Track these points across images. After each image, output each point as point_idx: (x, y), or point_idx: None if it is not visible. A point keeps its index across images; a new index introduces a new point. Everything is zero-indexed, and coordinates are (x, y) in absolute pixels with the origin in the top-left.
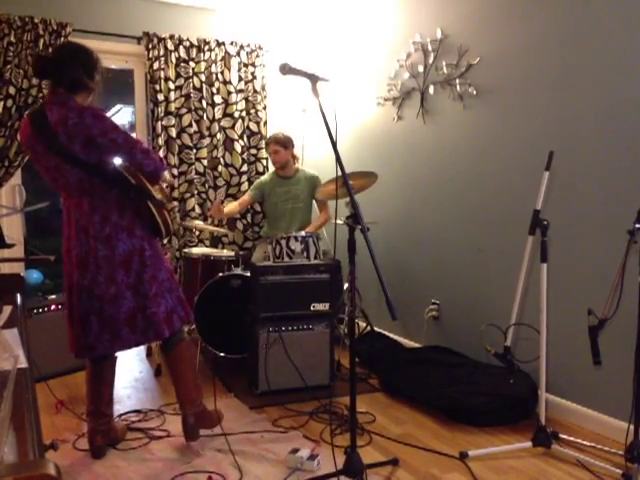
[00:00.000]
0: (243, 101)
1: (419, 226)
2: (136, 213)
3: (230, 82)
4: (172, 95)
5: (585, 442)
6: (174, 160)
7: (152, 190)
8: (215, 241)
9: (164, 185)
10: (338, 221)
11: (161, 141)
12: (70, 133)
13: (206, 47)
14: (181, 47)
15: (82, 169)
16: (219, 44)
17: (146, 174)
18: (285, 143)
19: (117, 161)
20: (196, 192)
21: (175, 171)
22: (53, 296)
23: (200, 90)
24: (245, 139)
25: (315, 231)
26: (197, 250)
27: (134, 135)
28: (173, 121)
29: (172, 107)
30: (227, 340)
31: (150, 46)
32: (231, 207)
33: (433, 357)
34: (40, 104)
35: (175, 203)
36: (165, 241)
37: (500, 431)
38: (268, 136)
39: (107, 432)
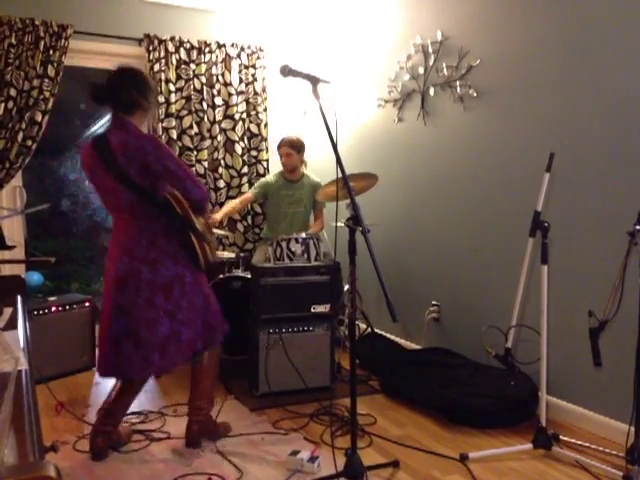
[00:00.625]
0: (244, 103)
1: (420, 227)
2: (181, 241)
3: (231, 84)
4: (173, 97)
5: (586, 444)
6: None
7: (195, 221)
8: (216, 242)
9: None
10: (339, 223)
11: None
12: (128, 157)
13: (207, 49)
14: (182, 49)
15: (135, 192)
16: (220, 46)
17: (193, 202)
18: (299, 147)
19: (167, 188)
20: None
21: None
22: (53, 298)
23: (201, 92)
24: (246, 141)
25: (314, 234)
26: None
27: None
28: (174, 123)
29: (173, 109)
30: (228, 342)
31: (151, 48)
32: (232, 204)
33: (433, 359)
34: (105, 129)
35: (217, 233)
36: None
37: (501, 433)
38: (282, 138)
39: (109, 434)
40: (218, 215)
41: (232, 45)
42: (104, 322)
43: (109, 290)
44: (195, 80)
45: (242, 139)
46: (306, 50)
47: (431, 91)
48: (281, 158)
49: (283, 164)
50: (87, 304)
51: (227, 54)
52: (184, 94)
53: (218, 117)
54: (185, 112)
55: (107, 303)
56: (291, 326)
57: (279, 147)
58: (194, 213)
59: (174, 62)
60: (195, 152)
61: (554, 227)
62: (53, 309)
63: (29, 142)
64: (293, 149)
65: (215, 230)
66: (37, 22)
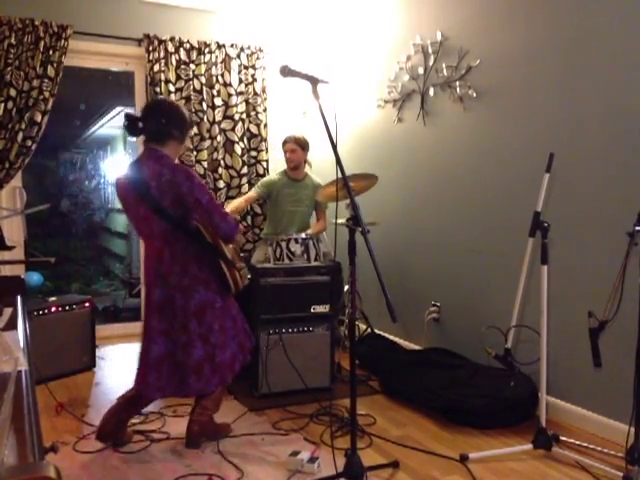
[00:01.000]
0: (243, 103)
1: (419, 228)
2: (211, 267)
3: (230, 84)
4: (172, 97)
5: (586, 444)
6: None
7: (225, 249)
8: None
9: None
10: (339, 221)
11: None
12: (162, 188)
13: (206, 49)
14: (181, 49)
15: (168, 222)
16: (219, 46)
17: (220, 235)
18: (303, 144)
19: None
20: None
21: None
22: (53, 298)
23: (200, 92)
24: (245, 141)
25: (314, 234)
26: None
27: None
28: None
29: None
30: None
31: (150, 48)
32: (236, 203)
33: (433, 359)
34: (137, 158)
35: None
36: None
37: (500, 433)
38: (287, 135)
39: (120, 424)
40: (232, 205)
41: (232, 45)
42: (145, 344)
43: (148, 314)
44: (195, 80)
45: (242, 139)
46: (306, 50)
47: (431, 91)
48: (285, 154)
49: (287, 160)
50: (87, 304)
51: (227, 54)
52: (184, 94)
53: (218, 117)
54: None
55: (147, 326)
56: (291, 326)
57: (284, 143)
58: (223, 241)
59: (174, 62)
60: (195, 152)
61: (554, 227)
62: (53, 309)
63: (29, 142)
64: (298, 145)
65: None
66: (37, 22)
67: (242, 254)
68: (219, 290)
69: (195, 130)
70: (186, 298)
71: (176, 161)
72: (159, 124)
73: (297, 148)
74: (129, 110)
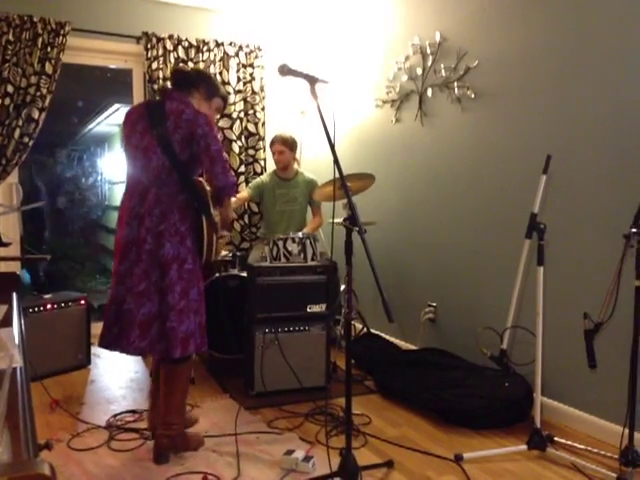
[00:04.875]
0: (241, 102)
1: (416, 228)
2: (194, 223)
3: (229, 83)
4: None
5: (580, 445)
6: None
7: (212, 209)
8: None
9: (225, 234)
10: (336, 220)
11: None
12: (178, 123)
13: (205, 47)
14: (180, 47)
15: (169, 157)
16: (218, 44)
17: (216, 188)
18: (291, 145)
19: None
20: None
21: None
22: (49, 295)
23: None
24: (243, 140)
25: (311, 233)
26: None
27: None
28: None
29: None
30: (223, 340)
31: (149, 46)
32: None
33: (429, 359)
34: (161, 97)
35: (226, 233)
36: None
37: (495, 434)
38: (274, 135)
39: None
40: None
41: (230, 44)
42: (111, 290)
43: (115, 256)
44: None
45: (239, 138)
46: (304, 50)
47: (429, 92)
48: (274, 155)
49: (276, 161)
50: (82, 302)
51: (225, 53)
52: None
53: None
54: None
55: (113, 269)
56: (287, 325)
57: (272, 144)
58: (214, 204)
59: (172, 60)
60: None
61: (550, 229)
62: (48, 307)
63: (26, 139)
64: (286, 146)
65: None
66: (35, 19)
67: (239, 253)
68: (193, 251)
69: None
70: (156, 244)
71: None
72: (190, 76)
73: (285, 149)
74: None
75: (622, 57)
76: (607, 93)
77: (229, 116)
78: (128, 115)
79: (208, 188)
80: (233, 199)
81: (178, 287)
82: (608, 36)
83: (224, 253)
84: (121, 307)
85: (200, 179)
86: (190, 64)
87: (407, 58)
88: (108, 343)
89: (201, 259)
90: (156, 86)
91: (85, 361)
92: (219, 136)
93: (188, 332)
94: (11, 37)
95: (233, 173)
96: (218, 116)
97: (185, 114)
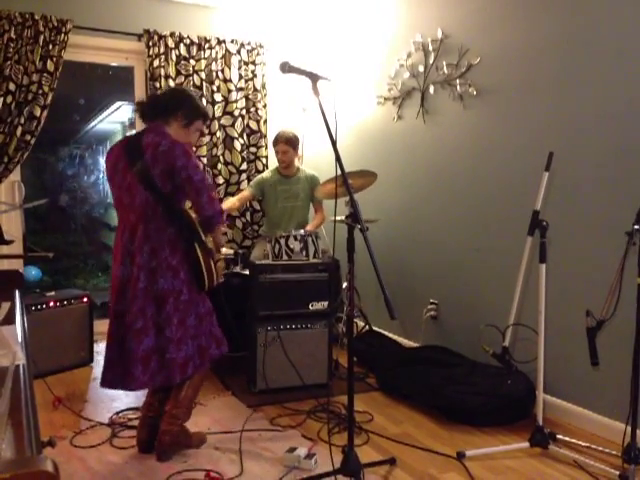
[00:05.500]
0: (243, 99)
1: (418, 226)
2: (185, 255)
3: (230, 80)
4: None
5: (582, 443)
6: None
7: (204, 236)
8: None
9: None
10: (338, 218)
11: None
12: (156, 157)
13: (207, 45)
14: (181, 45)
15: (152, 193)
16: (220, 42)
17: (204, 218)
18: (295, 143)
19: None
20: None
21: None
22: (51, 293)
23: (200, 88)
24: (245, 137)
25: (313, 230)
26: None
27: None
28: None
29: None
30: (225, 338)
31: (150, 43)
32: (230, 203)
33: (431, 357)
34: (139, 132)
35: (224, 253)
36: None
37: (497, 431)
38: (277, 134)
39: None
40: (225, 205)
41: (232, 41)
42: (109, 328)
43: (111, 294)
44: (195, 76)
45: (241, 135)
46: (306, 47)
47: (431, 89)
48: (277, 155)
49: (279, 161)
50: (85, 300)
51: (227, 50)
52: None
53: (217, 113)
54: None
55: (109, 307)
56: (289, 323)
57: (275, 144)
58: (204, 232)
59: (174, 58)
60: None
61: (552, 226)
62: (51, 304)
63: (28, 137)
64: (289, 145)
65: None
66: (37, 17)
67: (241, 250)
68: (188, 282)
69: None
70: (150, 281)
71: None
72: (166, 103)
73: (289, 149)
74: (129, 105)
75: (625, 53)
76: (610, 90)
77: (231, 114)
78: (108, 155)
79: (194, 215)
80: (234, 199)
81: (175, 319)
82: (611, 32)
83: (226, 251)
84: (122, 346)
85: (185, 209)
86: (192, 61)
87: (409, 55)
88: (111, 383)
89: (200, 286)
90: (157, 84)
91: (88, 359)
92: (199, 164)
93: (187, 357)
94: (13, 35)
95: (219, 202)
96: (199, 135)
97: (161, 146)
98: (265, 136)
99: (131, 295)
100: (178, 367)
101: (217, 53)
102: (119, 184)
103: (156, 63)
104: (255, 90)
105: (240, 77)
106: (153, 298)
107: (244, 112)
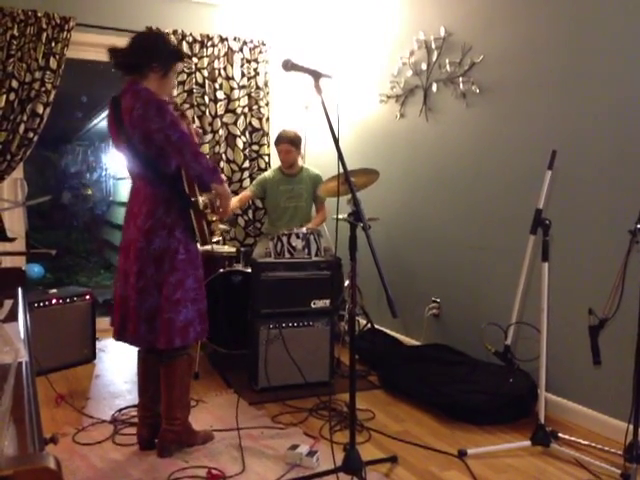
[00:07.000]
0: (246, 97)
1: (421, 224)
2: (181, 213)
3: (233, 78)
4: (174, 91)
5: (584, 441)
6: None
7: (197, 195)
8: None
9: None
10: (340, 216)
11: None
12: (133, 124)
13: (209, 43)
14: (184, 42)
15: (139, 159)
16: (222, 40)
17: (192, 177)
18: (297, 143)
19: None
20: None
21: None
22: (54, 290)
23: (203, 86)
24: (247, 135)
25: (315, 228)
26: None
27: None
28: None
29: None
30: (227, 336)
31: None
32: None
33: (433, 355)
34: (120, 92)
35: (220, 228)
36: None
37: (499, 429)
38: (279, 133)
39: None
40: None
41: (234, 39)
42: (116, 287)
43: (119, 255)
44: (197, 74)
45: (244, 133)
46: (308, 45)
47: (434, 87)
48: (280, 154)
49: (282, 160)
50: (87, 297)
51: (229, 48)
52: (186, 88)
53: (220, 111)
54: (187, 106)
55: (117, 266)
56: (291, 321)
57: (277, 143)
58: (199, 189)
59: None
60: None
61: (555, 225)
62: (53, 301)
63: (30, 134)
64: (292, 145)
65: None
66: (39, 14)
67: (243, 248)
68: (183, 239)
69: (197, 123)
70: (146, 241)
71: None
72: (138, 57)
73: (291, 149)
74: None
75: (627, 51)
76: (612, 87)
77: (233, 111)
78: (107, 117)
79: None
80: (235, 199)
81: (172, 279)
82: (613, 30)
83: (228, 249)
84: (128, 304)
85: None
86: (194, 59)
87: (412, 53)
88: (122, 337)
89: (196, 246)
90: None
91: (90, 356)
92: (177, 120)
93: (187, 321)
94: (15, 32)
95: (207, 157)
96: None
97: (135, 110)
98: (267, 134)
99: (133, 256)
100: (178, 330)
101: (220, 51)
102: (117, 145)
103: None
104: (257, 88)
105: (242, 75)
106: (151, 259)
107: (246, 110)
